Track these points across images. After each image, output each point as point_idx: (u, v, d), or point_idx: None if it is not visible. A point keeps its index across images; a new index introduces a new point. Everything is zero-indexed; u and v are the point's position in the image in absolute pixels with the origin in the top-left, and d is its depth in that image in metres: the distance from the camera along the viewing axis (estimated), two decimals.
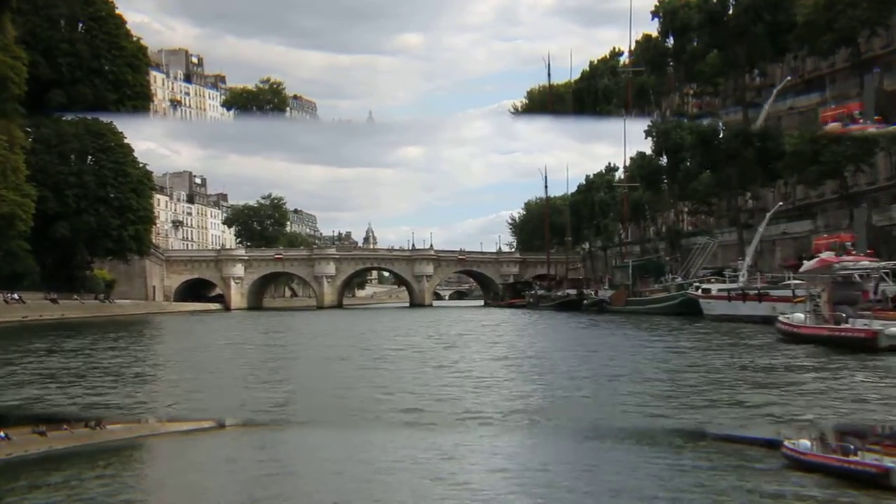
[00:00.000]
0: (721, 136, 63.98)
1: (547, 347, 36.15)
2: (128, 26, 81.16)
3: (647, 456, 15.49)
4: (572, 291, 79.44)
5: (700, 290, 47.88)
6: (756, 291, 43.32)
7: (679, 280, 55.69)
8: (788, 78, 61.97)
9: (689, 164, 68.91)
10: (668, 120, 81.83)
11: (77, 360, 31.80)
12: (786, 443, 14.33)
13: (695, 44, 74.85)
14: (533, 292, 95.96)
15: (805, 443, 14.05)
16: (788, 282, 41.16)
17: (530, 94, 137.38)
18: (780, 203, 54.52)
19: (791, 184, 66.48)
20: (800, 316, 32.60)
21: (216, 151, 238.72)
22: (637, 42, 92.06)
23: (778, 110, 68.05)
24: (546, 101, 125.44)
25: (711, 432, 16.87)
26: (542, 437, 18.33)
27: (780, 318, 34.36)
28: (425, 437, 18.05)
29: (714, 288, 46.95)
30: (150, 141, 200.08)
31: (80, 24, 76.43)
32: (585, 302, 70.29)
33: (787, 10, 62.37)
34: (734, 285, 45.68)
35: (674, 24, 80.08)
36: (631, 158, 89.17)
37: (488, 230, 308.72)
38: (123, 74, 77.27)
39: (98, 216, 71.79)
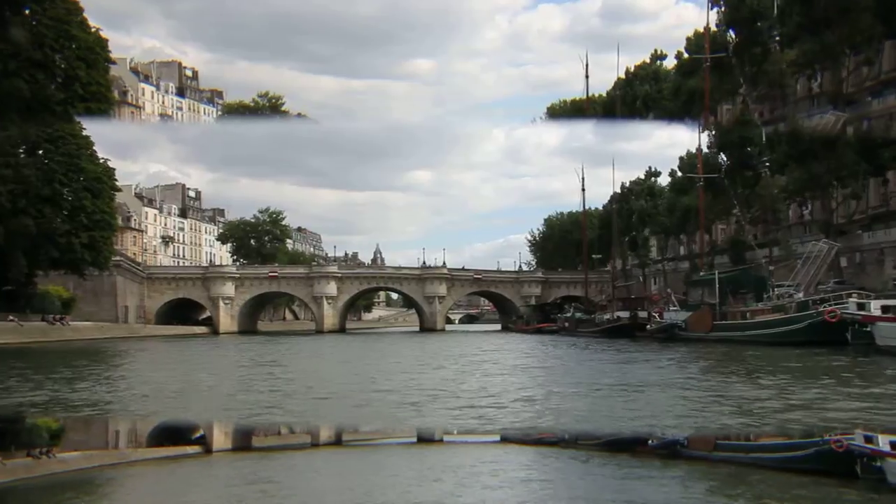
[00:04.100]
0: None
1: None
2: (85, 14, 67.44)
3: None
4: (623, 314, 65.38)
5: (874, 309, 33.49)
6: None
7: (800, 295, 41.88)
8: None
9: (764, 158, 55.47)
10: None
11: None
12: None
13: (774, 34, 60.45)
14: (569, 315, 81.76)
15: None
16: None
17: (551, 110, 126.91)
18: None
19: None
20: None
21: (226, 174, 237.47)
22: (688, 39, 79.19)
23: (888, 107, 54.47)
24: (572, 115, 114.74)
25: None
26: None
27: None
28: None
29: None
30: (159, 164, 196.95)
31: (26, 9, 63.22)
32: (649, 327, 56.53)
33: None
34: None
35: (741, 11, 65.67)
36: (681, 158, 76.22)
37: (498, 254, 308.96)
38: (74, 70, 63.32)
39: (41, 219, 58.77)
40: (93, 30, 67.68)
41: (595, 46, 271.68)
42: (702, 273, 58.32)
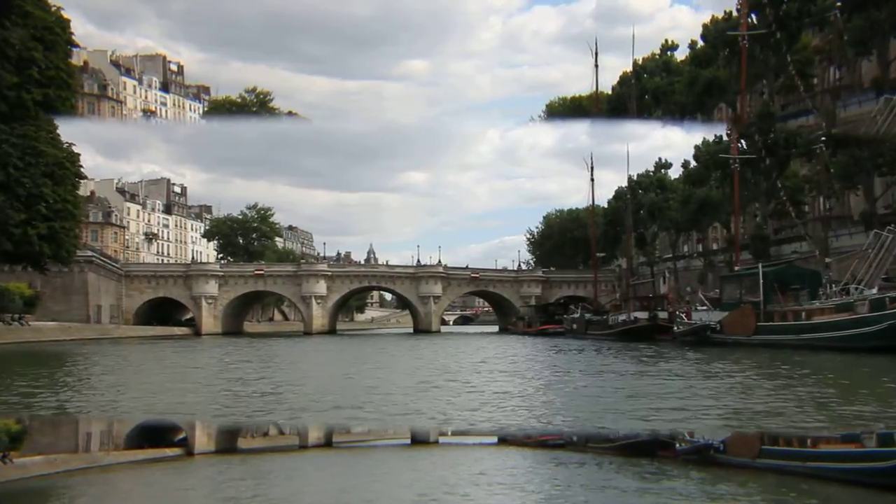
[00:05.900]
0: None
1: None
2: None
3: None
4: (641, 315, 59.40)
5: None
6: None
7: (873, 292, 35.88)
8: None
9: (819, 133, 49.93)
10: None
11: None
12: None
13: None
14: (577, 316, 75.76)
15: None
16: None
17: (550, 108, 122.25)
18: None
19: None
20: None
21: (220, 175, 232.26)
22: (704, 26, 73.76)
23: None
24: (570, 113, 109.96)
25: None
26: None
27: None
28: None
29: None
30: (153, 164, 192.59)
31: None
32: (676, 329, 50.67)
33: None
34: None
35: None
36: (696, 147, 70.63)
37: (493, 255, 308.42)
38: (28, 51, 56.51)
39: None
40: (53, 8, 61.24)
41: (589, 48, 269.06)
42: (737, 268, 52.36)
